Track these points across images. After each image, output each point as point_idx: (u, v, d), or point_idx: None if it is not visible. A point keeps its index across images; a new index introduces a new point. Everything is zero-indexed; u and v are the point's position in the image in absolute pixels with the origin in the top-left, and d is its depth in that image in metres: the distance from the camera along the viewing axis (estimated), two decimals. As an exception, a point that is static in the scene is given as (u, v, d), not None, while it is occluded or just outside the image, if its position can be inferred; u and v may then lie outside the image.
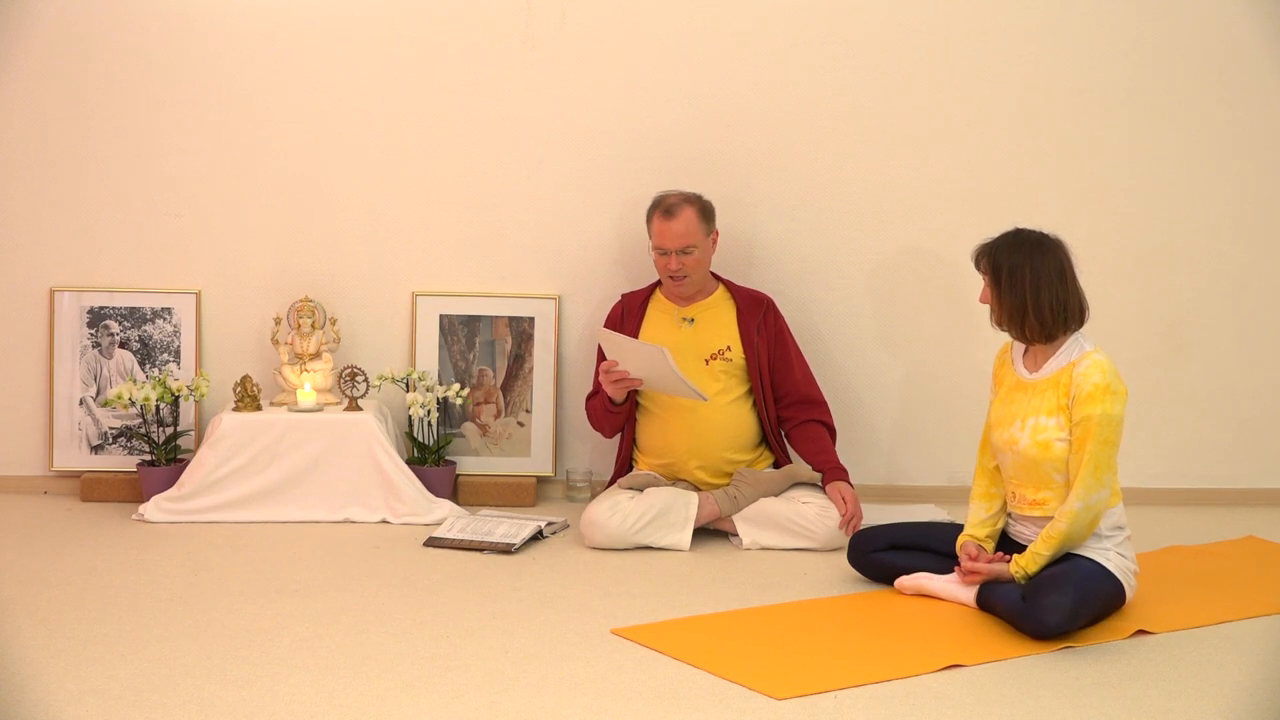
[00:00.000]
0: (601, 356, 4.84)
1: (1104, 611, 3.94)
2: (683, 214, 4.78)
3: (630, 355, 4.66)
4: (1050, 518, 4.00)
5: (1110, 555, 3.97)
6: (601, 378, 4.75)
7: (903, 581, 4.20)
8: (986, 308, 4.09)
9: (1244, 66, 5.26)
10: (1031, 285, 3.96)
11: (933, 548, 4.28)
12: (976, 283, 4.12)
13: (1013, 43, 5.23)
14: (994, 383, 4.23)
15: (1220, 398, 5.39)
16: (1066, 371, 3.98)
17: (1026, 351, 4.11)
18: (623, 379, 4.68)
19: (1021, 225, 4.05)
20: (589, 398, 4.99)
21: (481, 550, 4.59)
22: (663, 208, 4.81)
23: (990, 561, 4.07)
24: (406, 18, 5.18)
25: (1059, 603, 3.79)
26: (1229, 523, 5.10)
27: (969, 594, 4.07)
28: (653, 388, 4.72)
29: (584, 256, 5.27)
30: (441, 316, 5.29)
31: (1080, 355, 3.98)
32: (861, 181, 5.27)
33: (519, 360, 5.29)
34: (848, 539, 4.54)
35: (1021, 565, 3.97)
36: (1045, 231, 4.05)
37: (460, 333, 5.29)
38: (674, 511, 4.67)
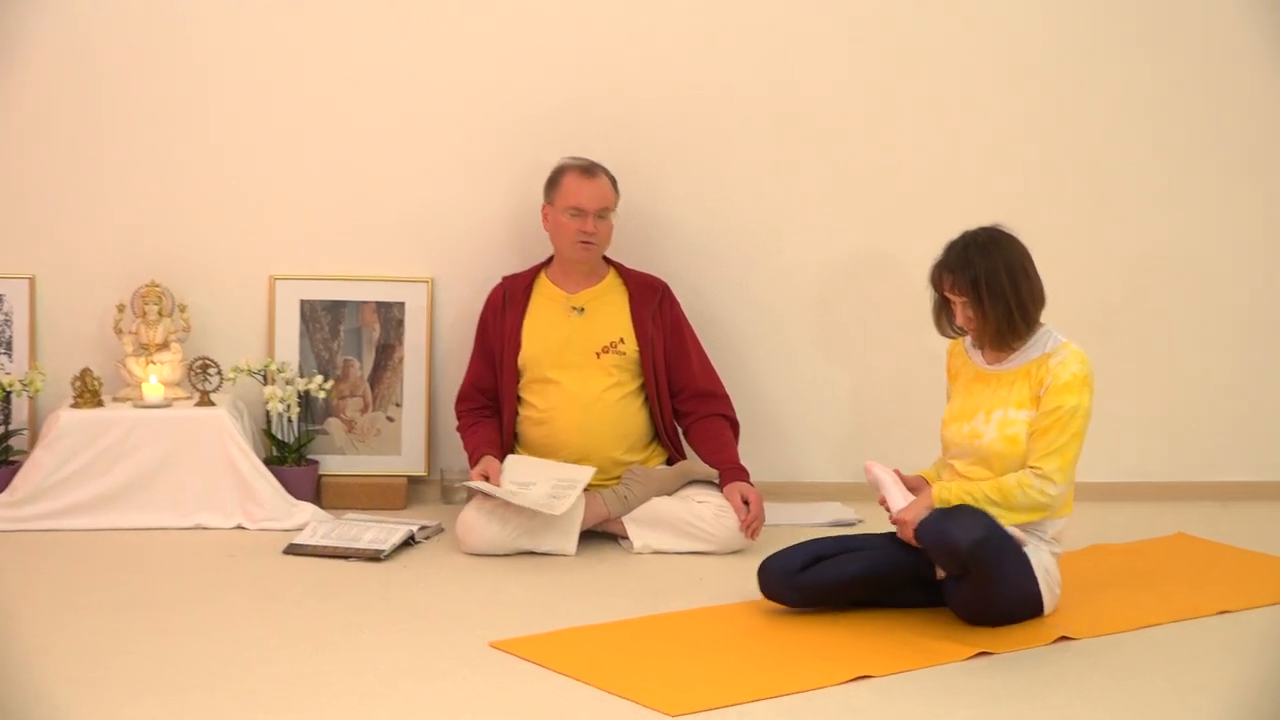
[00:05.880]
0: (479, 357, 4.86)
1: (1012, 604, 3.84)
2: (601, 176, 4.84)
3: (531, 469, 4.66)
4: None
5: (1041, 554, 3.91)
6: (475, 478, 4.63)
7: (872, 464, 4.04)
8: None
9: (1228, 58, 5.28)
10: (1010, 285, 3.88)
11: (860, 548, 4.07)
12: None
13: (959, 30, 5.21)
14: (949, 376, 4.17)
15: (1151, 387, 5.40)
16: (1040, 362, 3.93)
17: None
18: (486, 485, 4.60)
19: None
20: (461, 410, 4.92)
21: (347, 558, 4.52)
22: (580, 167, 4.84)
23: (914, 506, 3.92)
24: (263, -19, 5.10)
25: (971, 525, 3.72)
26: (1158, 519, 5.12)
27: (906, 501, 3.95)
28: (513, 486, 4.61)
29: (460, 235, 5.20)
30: (302, 302, 5.19)
31: (1057, 345, 3.95)
32: (761, 156, 5.21)
33: (388, 350, 5.22)
34: (751, 542, 4.54)
35: (943, 495, 3.86)
36: (988, 225, 3.98)
37: (323, 320, 5.21)
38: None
